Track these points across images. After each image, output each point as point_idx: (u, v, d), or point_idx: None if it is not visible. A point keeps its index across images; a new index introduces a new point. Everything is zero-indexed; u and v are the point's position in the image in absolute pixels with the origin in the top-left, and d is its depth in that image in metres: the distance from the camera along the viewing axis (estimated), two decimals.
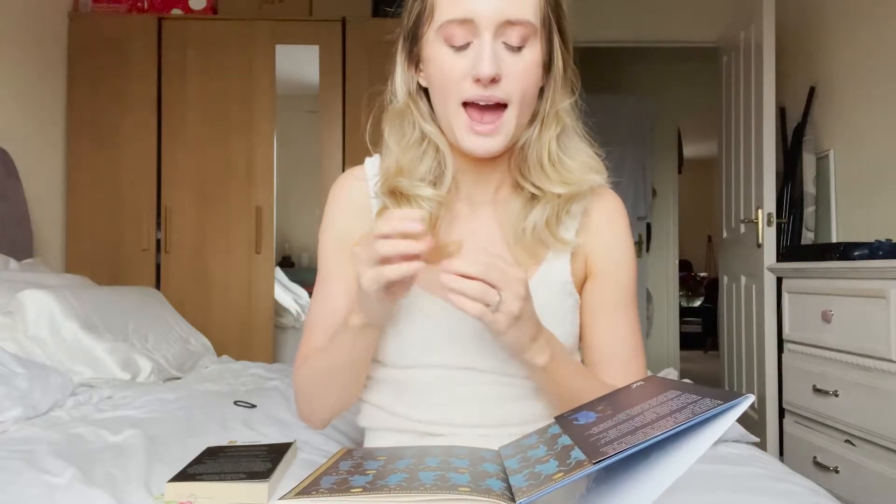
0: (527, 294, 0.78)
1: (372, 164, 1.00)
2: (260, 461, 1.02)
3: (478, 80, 0.85)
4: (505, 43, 0.86)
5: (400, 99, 0.96)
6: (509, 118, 0.87)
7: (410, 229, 0.73)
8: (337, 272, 0.99)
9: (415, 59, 0.95)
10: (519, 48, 0.86)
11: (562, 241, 0.93)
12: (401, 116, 0.96)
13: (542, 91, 0.93)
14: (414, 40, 0.94)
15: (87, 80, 3.13)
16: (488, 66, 0.83)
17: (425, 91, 0.96)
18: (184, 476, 0.97)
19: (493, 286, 0.75)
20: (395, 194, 0.94)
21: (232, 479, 0.94)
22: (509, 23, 0.85)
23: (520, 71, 0.86)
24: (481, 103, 0.86)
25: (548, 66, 0.92)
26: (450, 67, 0.87)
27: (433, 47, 0.89)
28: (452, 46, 0.87)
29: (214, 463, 1.02)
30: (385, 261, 0.75)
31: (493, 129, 0.87)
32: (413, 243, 0.73)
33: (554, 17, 0.90)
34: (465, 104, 0.87)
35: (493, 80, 0.85)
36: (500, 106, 0.87)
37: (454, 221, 0.97)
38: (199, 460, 1.04)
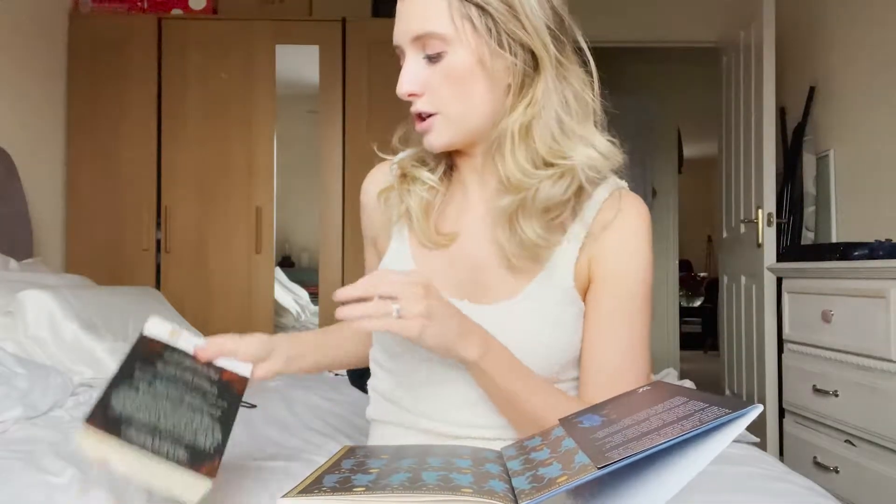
0: (427, 292, 0.80)
1: (400, 155, 1.06)
2: (209, 417, 0.79)
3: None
4: (426, 57, 0.91)
5: None
6: (440, 121, 0.92)
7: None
8: (368, 258, 1.12)
9: None
10: (436, 60, 0.90)
11: (556, 245, 0.92)
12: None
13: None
14: None
15: (87, 80, 3.13)
16: (403, 85, 0.91)
17: None
18: (104, 421, 0.71)
19: (389, 297, 0.78)
20: (404, 176, 1.00)
21: (167, 457, 0.72)
22: (419, 38, 0.89)
23: (439, 81, 0.90)
24: (419, 116, 0.93)
25: (487, 66, 0.90)
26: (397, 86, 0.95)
27: None
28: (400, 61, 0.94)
29: (148, 396, 0.76)
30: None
31: (429, 126, 0.93)
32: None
33: (475, 13, 0.87)
34: None
35: (414, 95, 0.91)
36: (434, 115, 0.93)
37: (444, 212, 1.00)
38: (127, 372, 0.78)
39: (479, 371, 0.86)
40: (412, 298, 0.78)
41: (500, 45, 0.89)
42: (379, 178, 1.06)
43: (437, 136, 0.93)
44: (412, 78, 0.91)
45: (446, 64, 0.89)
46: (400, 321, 0.78)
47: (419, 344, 0.81)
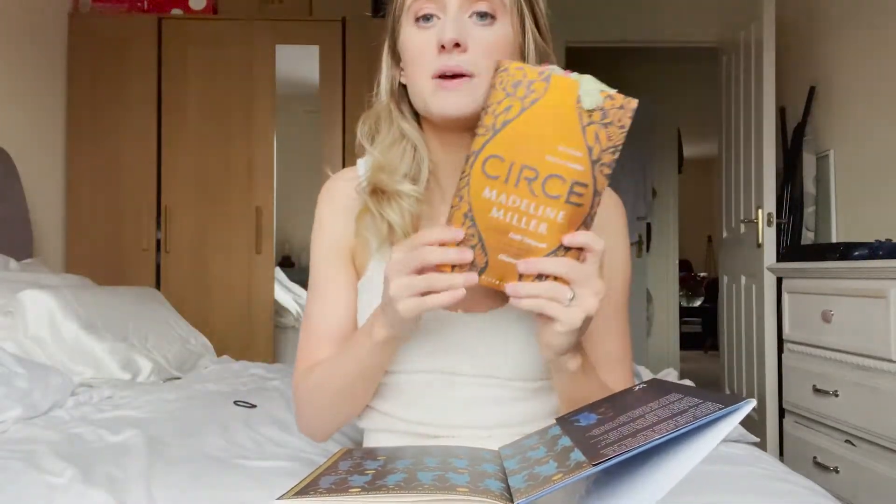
0: (601, 291, 0.74)
1: (363, 163, 0.99)
2: None
3: (442, 48, 0.85)
4: (473, 17, 0.87)
5: (383, 98, 0.96)
6: (474, 85, 0.85)
7: (454, 238, 0.73)
8: (332, 277, 0.98)
9: (397, 56, 0.95)
10: (487, 23, 0.87)
11: None
12: (378, 116, 0.96)
13: None
14: (394, 35, 0.95)
15: (87, 80, 3.13)
16: (450, 32, 0.84)
17: (407, 90, 0.95)
18: None
19: (566, 282, 0.73)
20: (377, 192, 0.92)
21: None
22: None
23: (487, 43, 0.86)
24: (448, 74, 0.86)
25: (522, 50, 0.90)
26: (418, 42, 0.88)
27: (405, 30, 0.91)
28: (420, 24, 0.88)
29: None
30: (425, 283, 0.73)
31: (460, 84, 0.85)
32: (466, 251, 0.73)
33: (525, 2, 0.90)
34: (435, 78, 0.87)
35: (458, 46, 0.84)
36: (468, 76, 0.86)
37: (434, 220, 0.95)
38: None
39: (569, 380, 0.84)
40: (592, 293, 0.73)
41: (525, 36, 0.90)
42: (343, 188, 0.98)
43: (469, 101, 0.85)
44: (460, 30, 0.84)
45: (494, 30, 0.87)
46: (568, 311, 0.72)
47: (558, 329, 0.74)
